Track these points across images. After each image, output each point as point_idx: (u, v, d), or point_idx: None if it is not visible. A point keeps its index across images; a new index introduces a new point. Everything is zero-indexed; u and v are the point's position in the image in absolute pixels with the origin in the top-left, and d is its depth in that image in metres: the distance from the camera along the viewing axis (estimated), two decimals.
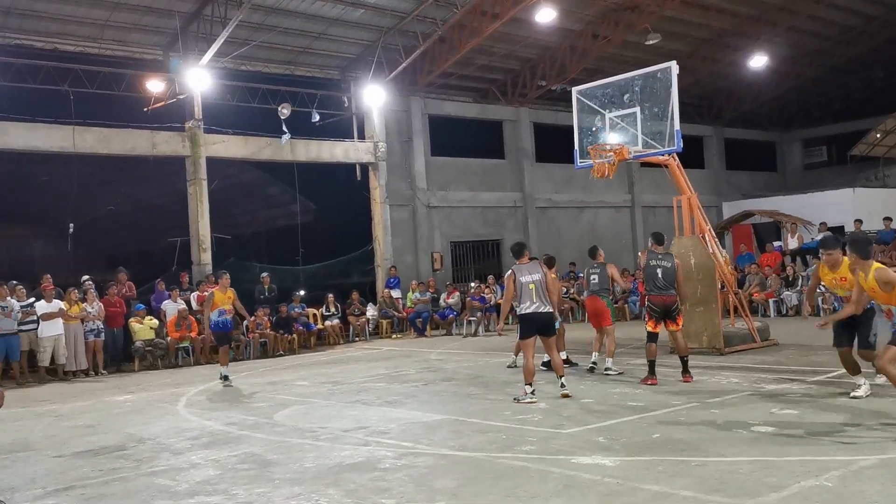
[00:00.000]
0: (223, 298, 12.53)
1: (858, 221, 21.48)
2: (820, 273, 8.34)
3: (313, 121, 20.35)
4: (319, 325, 18.98)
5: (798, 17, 23.47)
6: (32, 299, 14.62)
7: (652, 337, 9.94)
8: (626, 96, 12.56)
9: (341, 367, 13.95)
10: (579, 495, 5.25)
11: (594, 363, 11.33)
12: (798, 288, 18.52)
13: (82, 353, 14.85)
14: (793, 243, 21.70)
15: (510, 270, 9.48)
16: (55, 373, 14.52)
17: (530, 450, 6.68)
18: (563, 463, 6.14)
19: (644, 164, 24.60)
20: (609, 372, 10.83)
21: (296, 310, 18.41)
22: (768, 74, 26.52)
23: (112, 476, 6.68)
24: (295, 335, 17.75)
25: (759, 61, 24.84)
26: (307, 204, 24.55)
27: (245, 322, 16.19)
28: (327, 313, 19.26)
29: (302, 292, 19.36)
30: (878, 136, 25.33)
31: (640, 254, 10.68)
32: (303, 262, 22.04)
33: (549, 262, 11.44)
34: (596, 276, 11.53)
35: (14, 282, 14.54)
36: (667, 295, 9.97)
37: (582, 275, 14.04)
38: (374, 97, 21.18)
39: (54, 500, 5.98)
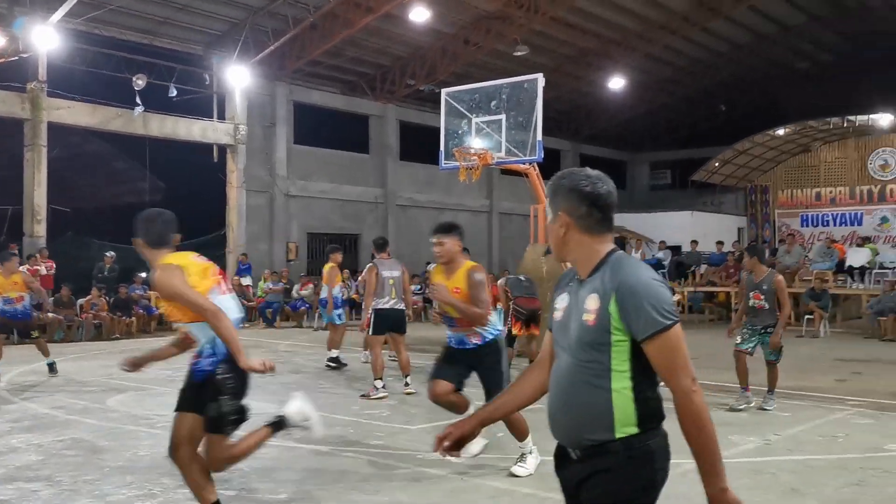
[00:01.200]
0: (6, 285, 10.37)
1: (695, 242, 22.97)
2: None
3: (170, 95, 19.42)
4: (161, 309, 18.12)
5: (654, 46, 24.82)
6: None
7: (511, 341, 10.19)
8: (493, 103, 12.80)
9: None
10: (425, 491, 5.26)
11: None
12: None
13: None
14: (636, 257, 22.90)
15: (371, 264, 9.44)
16: None
17: (377, 445, 6.65)
18: (410, 458, 6.15)
19: (504, 172, 25.25)
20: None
21: (137, 291, 17.51)
22: (624, 97, 27.89)
23: None
24: (134, 318, 16.86)
25: (617, 83, 26.06)
26: (157, 182, 23.40)
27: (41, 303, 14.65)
28: None
29: (144, 274, 18.41)
30: (717, 164, 27.15)
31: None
32: None
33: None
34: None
35: None
36: (535, 298, 10.40)
37: None
38: (237, 77, 20.50)
39: None
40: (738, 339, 8.38)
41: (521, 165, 12.96)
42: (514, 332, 10.18)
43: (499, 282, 10.83)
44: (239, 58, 20.28)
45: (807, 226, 25.63)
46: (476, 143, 12.83)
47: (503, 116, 12.63)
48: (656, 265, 21.85)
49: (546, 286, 12.61)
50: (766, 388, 8.29)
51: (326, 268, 12.20)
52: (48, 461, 6.00)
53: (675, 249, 23.64)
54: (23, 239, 17.67)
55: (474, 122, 12.95)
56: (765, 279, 8.25)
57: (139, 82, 18.52)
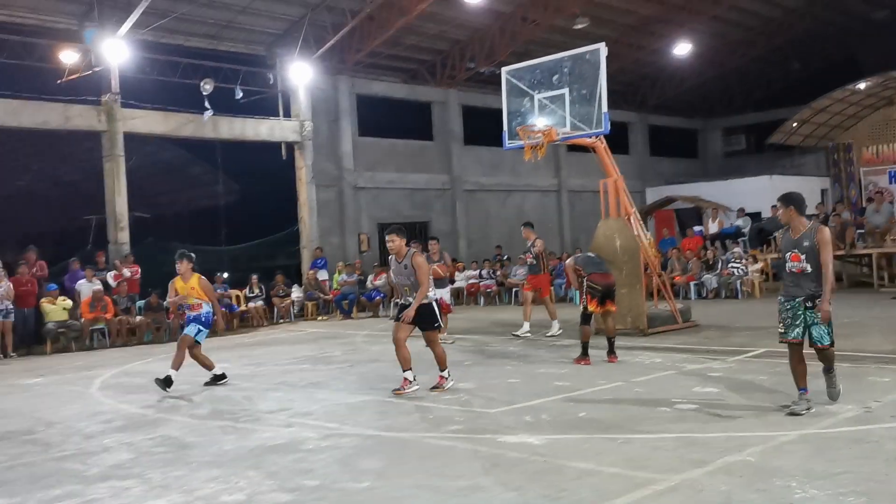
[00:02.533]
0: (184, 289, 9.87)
1: (775, 207, 22.15)
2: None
3: (237, 97, 19.77)
4: (243, 307, 18.56)
5: (721, 7, 23.99)
6: None
7: (588, 319, 10.00)
8: (554, 78, 12.55)
9: (265, 349, 13.65)
10: (506, 473, 5.20)
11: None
12: (717, 271, 19.00)
13: None
14: (713, 228, 22.26)
15: (424, 256, 9.52)
16: None
17: (457, 429, 6.62)
18: (490, 442, 6.09)
19: (571, 149, 24.88)
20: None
21: (218, 290, 17.91)
22: (692, 62, 27.09)
23: (17, 461, 6.32)
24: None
25: (683, 49, 25.32)
26: (230, 183, 23.93)
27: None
28: (251, 295, 18.85)
29: (225, 274, 18.86)
30: (795, 125, 26.15)
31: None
32: (226, 242, 21.52)
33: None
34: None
35: None
36: (611, 275, 10.21)
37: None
38: (300, 75, 20.72)
39: None
40: (780, 327, 6.62)
41: (588, 140, 12.69)
42: (591, 308, 9.96)
43: (567, 261, 10.64)
44: (300, 55, 20.48)
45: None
46: (540, 120, 12.62)
47: (566, 91, 12.36)
48: (735, 233, 21.19)
49: (620, 261, 12.38)
50: (823, 368, 6.65)
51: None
52: (139, 459, 6.17)
53: (755, 216, 22.86)
54: (107, 246, 18.32)
55: (537, 98, 12.73)
56: (805, 234, 6.51)
57: (207, 87, 18.90)
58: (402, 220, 24.01)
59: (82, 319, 15.43)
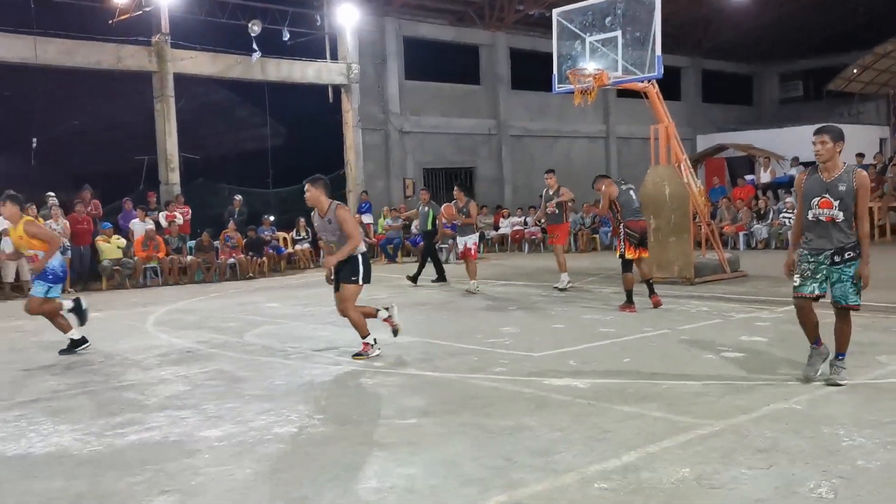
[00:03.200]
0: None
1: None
2: None
3: (284, 39, 19.74)
4: (290, 249, 18.84)
5: None
6: None
7: (629, 266, 9.93)
8: (607, 20, 12.28)
9: (312, 291, 13.87)
10: (551, 415, 5.27)
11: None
12: (769, 221, 18.67)
13: None
14: (765, 177, 21.80)
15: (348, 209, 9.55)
16: (20, 290, 14.27)
17: (501, 371, 6.70)
18: (535, 384, 6.16)
19: (620, 94, 24.41)
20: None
21: (266, 233, 18.21)
22: (749, 5, 26.16)
23: (80, 390, 6.60)
24: (265, 258, 17.59)
25: None
26: (277, 126, 24.05)
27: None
28: (298, 237, 19.10)
29: (272, 217, 19.10)
30: (855, 71, 25.25)
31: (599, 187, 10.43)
32: (273, 185, 21.73)
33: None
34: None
35: None
36: (644, 220, 10.15)
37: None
38: (347, 16, 20.59)
39: (20, 410, 5.89)
40: (797, 279, 5.73)
41: (640, 84, 12.44)
42: (628, 255, 9.93)
43: (609, 188, 10.21)
44: None
45: None
46: (590, 64, 12.39)
47: (619, 33, 12.10)
48: (788, 183, 20.73)
49: (668, 208, 12.23)
50: (835, 352, 5.78)
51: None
52: (194, 391, 6.39)
53: (810, 165, 22.30)
54: (159, 187, 18.67)
55: (588, 41, 12.48)
56: (841, 177, 5.58)
57: (255, 28, 18.90)
58: (447, 165, 24.02)
59: (135, 258, 15.83)
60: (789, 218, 18.14)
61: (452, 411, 5.49)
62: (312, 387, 6.38)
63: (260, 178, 21.54)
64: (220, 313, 11.25)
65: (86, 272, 15.66)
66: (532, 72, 23.22)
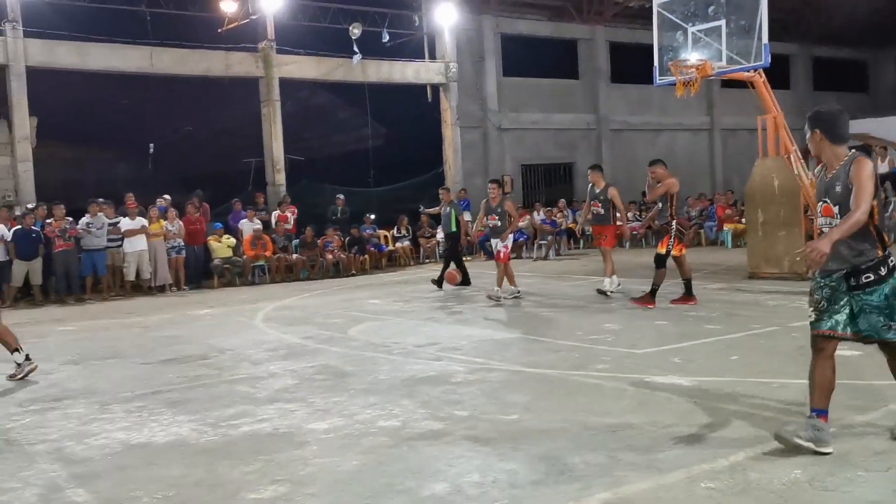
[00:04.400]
0: None
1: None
2: None
3: (383, 41, 20.12)
4: (391, 247, 19.17)
5: None
6: (118, 217, 15.16)
7: (663, 261, 9.88)
8: (710, 9, 11.92)
9: (412, 287, 14.09)
10: (655, 412, 5.19)
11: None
12: (889, 213, 17.70)
13: (165, 268, 15.34)
14: (883, 168, 20.64)
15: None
16: (140, 288, 15.09)
17: (604, 368, 6.64)
18: (638, 382, 6.07)
19: (725, 84, 23.64)
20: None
21: (367, 231, 18.59)
22: None
23: (196, 383, 6.93)
24: (367, 256, 17.96)
25: None
26: (378, 127, 24.49)
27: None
28: (398, 235, 19.40)
29: (373, 216, 19.47)
30: None
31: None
32: (374, 184, 22.16)
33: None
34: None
35: (101, 199, 15.08)
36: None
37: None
38: (445, 16, 20.77)
39: (142, 402, 6.24)
40: (811, 313, 4.40)
41: (746, 74, 12.04)
42: (675, 252, 9.85)
43: (674, 183, 10.04)
44: None
45: None
46: (693, 54, 12.06)
47: (722, 22, 11.72)
48: None
49: (777, 201, 11.79)
50: None
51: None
52: (302, 385, 6.62)
53: None
54: (266, 188, 19.34)
55: (690, 32, 12.15)
56: (839, 173, 4.28)
57: (355, 31, 19.33)
58: (546, 161, 23.88)
59: (244, 256, 16.46)
60: None
61: (554, 408, 5.48)
62: (415, 382, 6.49)
63: (361, 177, 22.01)
64: (324, 310, 11.57)
65: (199, 271, 16.39)
66: (632, 65, 22.77)
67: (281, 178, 19.27)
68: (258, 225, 16.90)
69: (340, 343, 8.63)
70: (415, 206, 22.60)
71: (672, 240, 9.78)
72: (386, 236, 19.37)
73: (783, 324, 8.27)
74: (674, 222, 9.81)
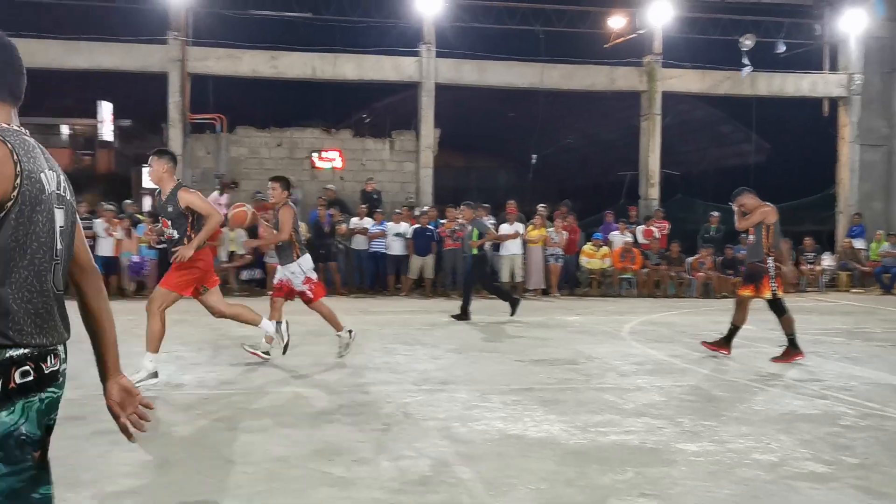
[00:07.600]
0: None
1: None
2: None
3: (777, 51, 18.95)
4: None
5: None
6: (493, 221, 16.34)
7: (782, 304, 8.73)
8: None
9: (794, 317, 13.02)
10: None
11: None
12: None
13: (539, 273, 16.14)
14: None
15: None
16: (515, 289, 16.06)
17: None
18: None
19: None
20: None
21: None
22: None
23: (564, 385, 7.19)
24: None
25: None
26: (761, 142, 23.18)
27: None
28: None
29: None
30: None
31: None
32: None
33: None
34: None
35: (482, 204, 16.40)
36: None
37: None
38: (853, 23, 18.86)
39: (517, 396, 6.64)
40: None
41: None
42: (780, 293, 8.63)
43: (771, 212, 8.51)
44: (854, 1, 18.62)
45: None
46: None
47: None
48: None
49: None
50: None
51: None
52: (669, 402, 6.51)
53: None
54: (638, 201, 19.36)
55: None
56: None
57: (747, 42, 18.48)
58: None
59: (613, 268, 16.64)
60: None
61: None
62: (794, 418, 6.01)
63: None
64: (692, 329, 11.24)
65: (569, 278, 16.95)
66: None
67: (654, 192, 19.16)
68: (629, 238, 16.98)
69: (710, 365, 8.32)
70: (798, 228, 20.90)
71: (773, 281, 8.56)
72: None
73: None
74: (770, 259, 8.42)
